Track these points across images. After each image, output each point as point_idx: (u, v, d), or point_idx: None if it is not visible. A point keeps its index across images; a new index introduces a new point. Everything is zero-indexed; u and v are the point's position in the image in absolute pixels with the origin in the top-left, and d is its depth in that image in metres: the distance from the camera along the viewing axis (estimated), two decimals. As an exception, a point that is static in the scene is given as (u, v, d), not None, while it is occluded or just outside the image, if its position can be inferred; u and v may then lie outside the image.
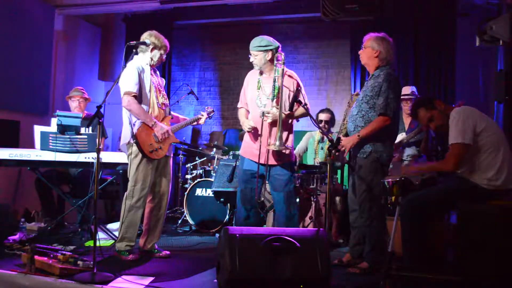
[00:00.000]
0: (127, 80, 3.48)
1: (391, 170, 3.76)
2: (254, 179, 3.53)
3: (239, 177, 3.65)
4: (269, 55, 3.48)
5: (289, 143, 3.54)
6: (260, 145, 3.45)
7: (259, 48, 3.47)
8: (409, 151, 4.58)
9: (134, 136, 3.49)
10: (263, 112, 3.43)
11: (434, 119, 3.22)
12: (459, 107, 3.16)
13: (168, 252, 3.72)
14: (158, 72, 3.83)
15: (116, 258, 3.54)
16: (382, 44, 3.40)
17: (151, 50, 3.61)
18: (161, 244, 4.25)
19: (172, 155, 3.81)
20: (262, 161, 3.47)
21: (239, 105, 3.78)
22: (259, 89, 3.55)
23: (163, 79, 3.90)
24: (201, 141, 6.97)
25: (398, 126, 3.60)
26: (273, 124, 3.45)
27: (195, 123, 3.89)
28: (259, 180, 3.54)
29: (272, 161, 3.50)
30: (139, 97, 3.53)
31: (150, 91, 3.59)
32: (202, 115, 3.89)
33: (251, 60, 3.55)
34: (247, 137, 3.63)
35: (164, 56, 3.72)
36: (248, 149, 3.58)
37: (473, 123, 3.01)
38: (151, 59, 3.63)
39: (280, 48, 3.51)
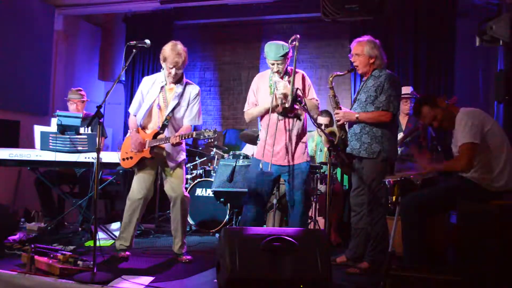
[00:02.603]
0: (134, 98, 3.69)
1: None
2: (269, 181, 3.52)
3: (252, 179, 3.57)
4: (288, 60, 3.46)
5: (303, 147, 3.54)
6: (274, 143, 3.41)
7: (282, 58, 3.39)
8: (404, 151, 4.59)
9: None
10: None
11: (437, 117, 3.22)
12: (465, 109, 3.16)
13: (190, 257, 3.61)
14: (182, 83, 3.58)
15: (116, 257, 3.55)
16: (375, 48, 3.42)
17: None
18: (161, 244, 4.26)
19: (173, 168, 3.60)
20: (281, 162, 3.47)
21: (246, 108, 3.64)
22: (272, 93, 3.46)
23: (193, 89, 3.62)
24: (201, 141, 6.96)
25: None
26: (286, 124, 3.46)
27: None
28: (271, 183, 3.55)
29: (291, 161, 3.48)
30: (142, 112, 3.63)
31: (149, 110, 3.58)
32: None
33: (275, 70, 3.42)
34: (261, 139, 3.58)
35: (173, 70, 3.46)
36: (264, 150, 3.51)
37: (480, 124, 3.03)
38: (165, 75, 3.59)
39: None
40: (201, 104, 3.72)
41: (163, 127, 3.55)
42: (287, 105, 3.39)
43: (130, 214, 3.61)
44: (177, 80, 3.58)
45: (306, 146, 3.58)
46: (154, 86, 3.60)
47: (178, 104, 3.56)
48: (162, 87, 3.58)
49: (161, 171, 3.74)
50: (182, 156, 3.70)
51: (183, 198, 3.61)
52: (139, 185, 3.62)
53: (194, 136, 3.37)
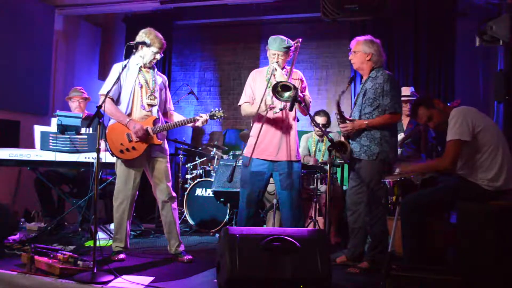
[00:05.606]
0: (105, 81, 3.54)
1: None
2: (263, 181, 3.52)
3: (245, 179, 3.56)
4: (289, 56, 3.53)
5: (294, 145, 3.54)
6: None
7: (285, 50, 3.48)
8: (404, 152, 4.58)
9: (104, 135, 3.41)
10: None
11: (433, 118, 3.22)
12: (459, 107, 3.17)
13: (190, 257, 3.60)
14: (155, 70, 3.67)
15: (112, 260, 3.51)
16: (373, 46, 3.43)
17: (141, 49, 3.52)
18: (161, 244, 4.26)
19: (160, 157, 3.58)
20: (273, 157, 3.48)
21: (243, 101, 3.67)
22: (267, 81, 3.50)
23: (163, 77, 3.75)
24: (201, 141, 6.97)
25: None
26: (281, 119, 3.49)
27: (190, 124, 3.60)
28: (264, 181, 3.54)
29: (283, 158, 3.49)
30: (119, 97, 3.53)
31: (132, 91, 3.51)
32: (201, 117, 3.58)
33: (275, 61, 3.48)
34: (254, 137, 3.53)
35: (158, 55, 3.56)
36: (255, 146, 3.50)
37: (471, 122, 3.02)
38: (142, 58, 3.54)
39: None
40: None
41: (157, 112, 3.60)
42: (280, 105, 3.39)
43: (120, 215, 3.55)
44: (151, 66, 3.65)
45: (297, 146, 3.59)
46: (130, 68, 3.51)
47: (159, 89, 3.64)
48: (139, 68, 3.56)
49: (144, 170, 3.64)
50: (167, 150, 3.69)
51: (172, 199, 3.60)
52: (126, 184, 3.53)
53: (208, 117, 3.59)
